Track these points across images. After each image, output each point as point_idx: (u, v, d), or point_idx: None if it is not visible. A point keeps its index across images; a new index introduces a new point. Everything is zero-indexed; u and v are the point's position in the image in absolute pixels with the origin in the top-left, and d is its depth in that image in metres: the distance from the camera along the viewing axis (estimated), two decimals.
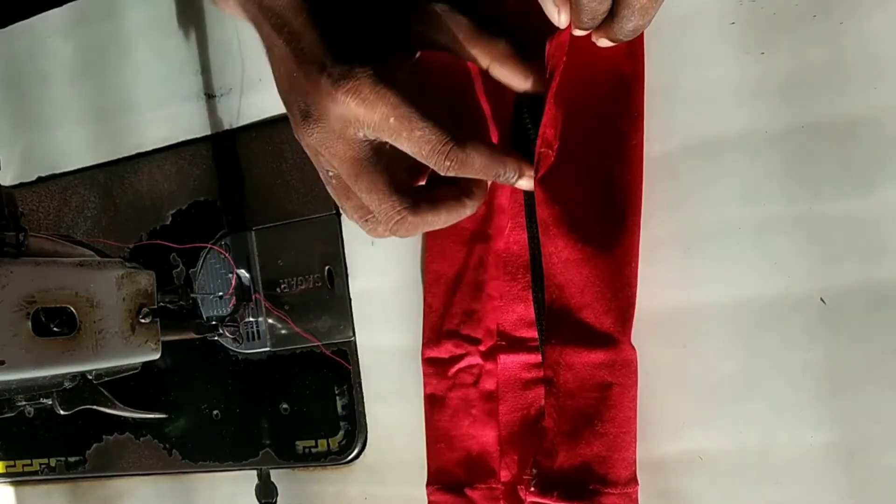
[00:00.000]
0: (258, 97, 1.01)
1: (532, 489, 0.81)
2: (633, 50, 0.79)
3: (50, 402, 0.82)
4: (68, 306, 0.76)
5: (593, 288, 0.79)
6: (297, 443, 1.00)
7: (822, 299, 0.75)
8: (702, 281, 0.79)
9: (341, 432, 0.97)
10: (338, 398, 0.97)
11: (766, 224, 0.77)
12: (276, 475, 1.03)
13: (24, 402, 0.82)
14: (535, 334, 0.84)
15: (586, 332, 0.79)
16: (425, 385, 0.89)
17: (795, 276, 0.76)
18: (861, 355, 0.73)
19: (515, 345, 0.85)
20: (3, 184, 0.79)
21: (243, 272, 1.01)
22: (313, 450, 0.99)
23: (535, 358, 0.84)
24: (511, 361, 0.85)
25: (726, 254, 0.78)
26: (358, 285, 0.96)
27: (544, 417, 0.82)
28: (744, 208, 0.77)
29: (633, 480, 0.79)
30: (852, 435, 0.74)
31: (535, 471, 0.82)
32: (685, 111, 0.79)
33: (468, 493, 0.85)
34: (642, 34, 0.78)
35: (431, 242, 0.90)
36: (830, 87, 0.74)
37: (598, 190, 0.80)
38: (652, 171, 0.80)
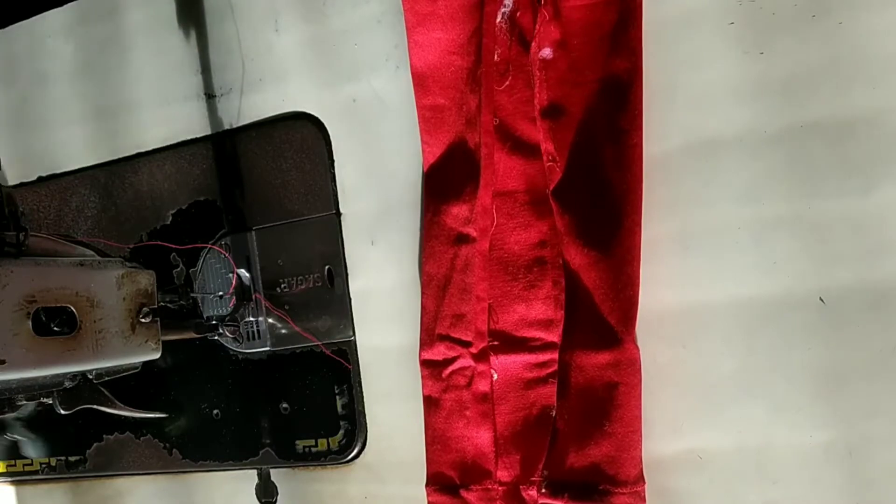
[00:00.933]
0: (258, 97, 1.01)
1: (543, 491, 0.82)
2: (631, 46, 0.80)
3: (50, 402, 0.82)
4: (69, 306, 0.76)
5: (599, 290, 0.80)
6: (297, 442, 1.00)
7: (821, 299, 0.75)
8: (701, 281, 0.79)
9: (341, 432, 0.97)
10: (338, 398, 0.97)
11: (765, 224, 0.77)
12: (276, 474, 1.03)
13: (24, 402, 0.82)
14: (538, 334, 0.85)
15: (594, 334, 0.80)
16: (423, 386, 0.90)
17: (794, 276, 0.76)
18: (860, 354, 0.74)
19: (516, 345, 0.86)
20: (3, 183, 0.79)
21: (243, 272, 1.02)
22: (313, 449, 0.99)
23: (538, 358, 0.85)
24: (512, 361, 0.86)
25: (726, 254, 0.78)
26: (358, 285, 0.96)
27: (555, 419, 0.83)
28: (743, 208, 0.77)
29: (641, 479, 0.79)
30: (851, 433, 0.74)
31: (546, 472, 0.83)
32: (685, 111, 0.80)
33: (464, 495, 0.86)
34: (640, 31, 0.79)
35: (426, 243, 0.91)
36: (829, 87, 0.74)
37: (601, 194, 0.80)
38: (651, 171, 0.80)
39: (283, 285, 1.00)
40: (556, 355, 0.83)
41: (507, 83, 0.84)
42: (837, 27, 0.73)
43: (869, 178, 0.72)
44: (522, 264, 0.85)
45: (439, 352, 0.88)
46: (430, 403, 0.88)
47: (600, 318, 0.79)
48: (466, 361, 0.86)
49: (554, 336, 0.83)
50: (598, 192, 0.80)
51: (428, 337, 0.89)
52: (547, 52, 0.82)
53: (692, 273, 0.79)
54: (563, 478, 0.80)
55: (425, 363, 0.89)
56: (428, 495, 0.88)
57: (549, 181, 0.82)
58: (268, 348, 1.01)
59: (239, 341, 1.01)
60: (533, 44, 0.81)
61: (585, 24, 0.80)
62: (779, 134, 0.75)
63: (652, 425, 0.80)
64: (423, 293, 0.89)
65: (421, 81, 0.88)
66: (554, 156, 0.81)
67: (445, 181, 0.88)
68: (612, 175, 0.79)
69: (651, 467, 0.80)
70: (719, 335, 0.78)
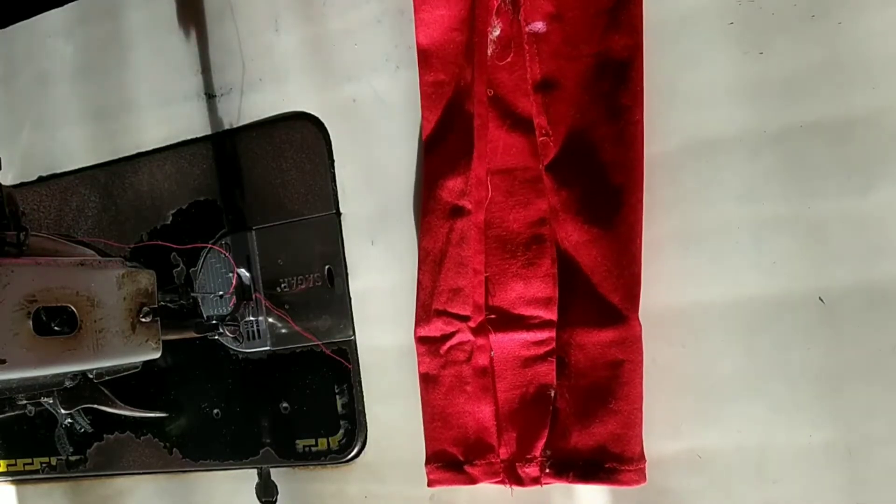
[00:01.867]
0: (258, 97, 1.01)
1: (547, 471, 0.82)
2: (632, 24, 0.79)
3: (51, 401, 0.83)
4: (69, 305, 0.76)
5: (601, 268, 0.80)
6: (298, 442, 1.00)
7: (820, 298, 0.75)
8: (701, 281, 0.79)
9: (341, 431, 0.97)
10: (338, 397, 0.97)
11: (764, 224, 0.77)
12: (276, 474, 1.03)
13: (25, 402, 0.82)
14: (536, 312, 0.85)
15: (597, 312, 0.80)
16: (419, 364, 0.89)
17: (794, 276, 0.76)
18: (859, 354, 0.74)
19: (514, 322, 0.86)
20: (4, 183, 0.79)
21: (244, 271, 1.02)
22: (313, 448, 0.99)
23: (536, 336, 0.85)
24: (509, 339, 0.86)
25: (725, 254, 0.78)
26: (358, 285, 0.96)
27: (554, 398, 0.83)
28: (742, 208, 0.77)
29: (643, 456, 0.79)
30: (850, 433, 0.74)
31: (549, 452, 0.83)
32: (685, 111, 0.80)
33: (468, 470, 0.86)
34: (641, 9, 0.79)
35: (423, 219, 0.90)
36: (829, 86, 0.74)
37: (601, 170, 0.80)
38: (651, 171, 0.80)
39: (283, 285, 1.00)
40: (554, 333, 0.82)
41: (509, 59, 0.84)
42: (837, 27, 0.73)
43: (868, 179, 0.72)
44: (521, 242, 0.85)
45: (437, 327, 0.87)
46: (429, 381, 0.88)
47: (602, 297, 0.79)
48: (465, 336, 0.86)
49: (553, 314, 0.83)
50: (597, 168, 0.80)
51: (424, 313, 0.88)
52: (539, 26, 0.82)
53: (692, 273, 0.79)
54: (568, 457, 0.80)
55: (422, 340, 0.88)
56: (428, 473, 0.87)
57: (543, 156, 0.82)
58: (268, 348, 1.01)
59: (239, 341, 1.01)
60: (520, 17, 0.81)
61: None
62: (779, 134, 0.76)
63: (652, 425, 0.80)
64: (419, 269, 0.89)
65: (425, 58, 0.88)
66: (547, 130, 0.81)
67: (443, 156, 0.88)
68: (612, 151, 0.79)
69: (651, 467, 0.80)
70: (719, 335, 0.78)
